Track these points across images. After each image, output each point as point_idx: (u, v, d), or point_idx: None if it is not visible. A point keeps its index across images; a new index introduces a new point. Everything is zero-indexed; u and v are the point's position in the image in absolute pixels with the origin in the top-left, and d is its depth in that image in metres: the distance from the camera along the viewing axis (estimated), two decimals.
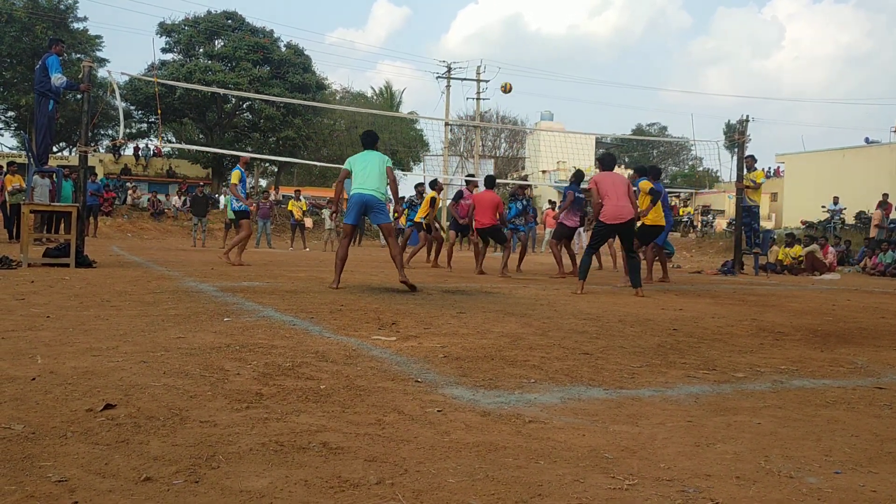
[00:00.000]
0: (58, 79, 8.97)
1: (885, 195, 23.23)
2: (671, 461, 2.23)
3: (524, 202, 12.77)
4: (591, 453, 2.28)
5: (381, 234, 8.11)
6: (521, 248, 12.77)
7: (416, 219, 13.29)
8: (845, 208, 25.35)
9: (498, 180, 15.30)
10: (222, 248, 18.15)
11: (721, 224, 29.84)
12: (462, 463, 2.13)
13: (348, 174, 7.69)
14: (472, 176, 13.76)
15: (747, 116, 14.58)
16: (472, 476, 2.02)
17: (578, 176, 11.37)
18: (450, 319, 5.16)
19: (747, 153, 13.50)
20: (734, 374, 3.70)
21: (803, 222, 25.95)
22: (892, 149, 29.60)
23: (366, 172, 7.51)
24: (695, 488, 2.00)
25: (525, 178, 14.50)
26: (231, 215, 19.64)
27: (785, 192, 33.88)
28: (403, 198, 24.03)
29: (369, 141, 7.90)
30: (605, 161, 8.48)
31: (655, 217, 9.54)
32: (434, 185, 13.59)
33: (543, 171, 44.27)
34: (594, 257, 11.92)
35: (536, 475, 2.05)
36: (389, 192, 7.88)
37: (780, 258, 16.98)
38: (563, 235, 11.22)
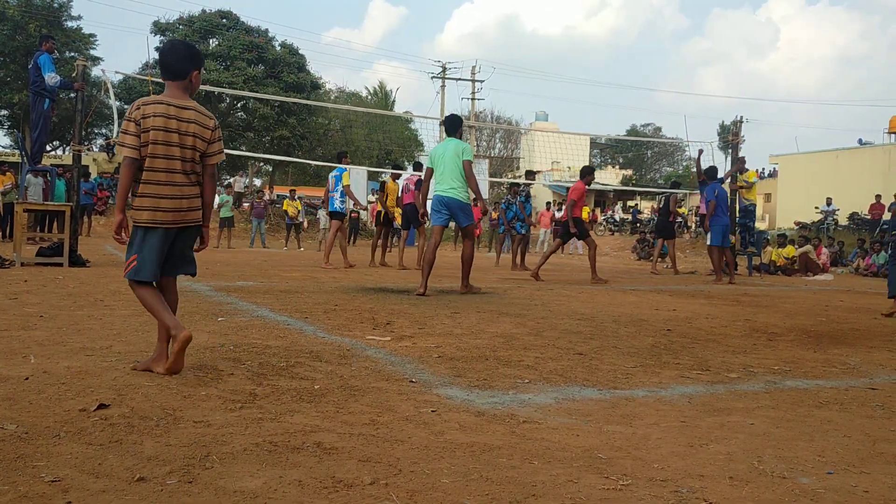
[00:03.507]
0: (52, 78, 8.92)
1: (878, 196, 23.34)
2: (665, 461, 2.24)
3: (522, 198, 12.79)
4: (585, 453, 2.28)
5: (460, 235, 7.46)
6: (518, 246, 12.84)
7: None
8: (838, 209, 25.46)
9: (491, 180, 15.24)
10: (229, 248, 18.02)
11: None
12: (456, 463, 2.13)
13: (431, 173, 7.22)
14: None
15: (741, 117, 14.55)
16: (466, 476, 2.02)
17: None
18: (444, 319, 5.16)
19: (739, 154, 13.57)
20: (728, 374, 3.71)
21: (797, 223, 26.03)
22: (885, 150, 29.72)
23: (441, 170, 7.08)
24: (688, 488, 2.00)
25: (530, 175, 14.21)
26: (225, 214, 19.69)
27: (778, 193, 33.98)
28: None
29: (450, 127, 7.31)
30: None
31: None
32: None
33: (538, 171, 44.36)
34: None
35: (530, 475, 2.05)
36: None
37: (773, 259, 17.04)
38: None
